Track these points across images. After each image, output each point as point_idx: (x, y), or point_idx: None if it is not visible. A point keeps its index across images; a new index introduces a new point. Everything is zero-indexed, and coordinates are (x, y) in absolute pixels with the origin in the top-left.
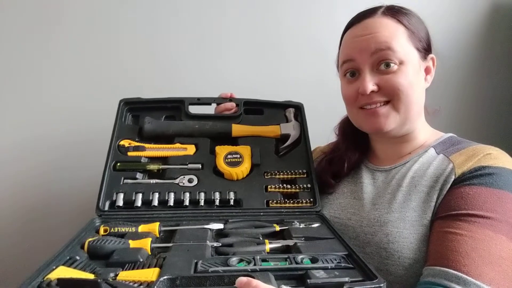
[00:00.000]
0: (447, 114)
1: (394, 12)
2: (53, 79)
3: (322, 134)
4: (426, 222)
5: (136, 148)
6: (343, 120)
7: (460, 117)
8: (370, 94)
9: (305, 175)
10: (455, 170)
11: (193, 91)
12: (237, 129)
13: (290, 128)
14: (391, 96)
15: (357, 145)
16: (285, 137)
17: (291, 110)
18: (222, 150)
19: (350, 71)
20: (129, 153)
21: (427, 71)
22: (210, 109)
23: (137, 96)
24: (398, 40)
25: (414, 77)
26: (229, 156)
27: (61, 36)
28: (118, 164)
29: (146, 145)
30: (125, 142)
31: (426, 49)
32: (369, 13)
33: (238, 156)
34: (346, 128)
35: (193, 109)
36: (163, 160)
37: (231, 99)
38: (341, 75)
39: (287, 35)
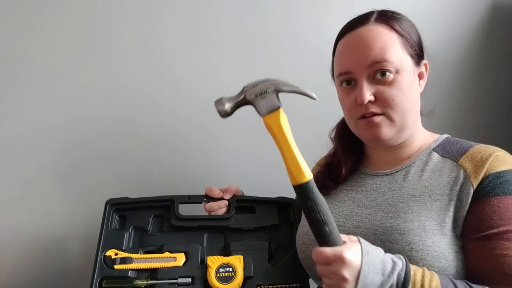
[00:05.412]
0: (445, 115)
1: (387, 18)
2: None
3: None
4: (447, 231)
5: (123, 260)
6: (339, 124)
7: (460, 118)
8: (367, 104)
9: None
10: (470, 180)
11: None
12: None
13: None
14: (385, 108)
15: (353, 150)
16: None
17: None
18: (213, 262)
19: (346, 81)
20: (116, 266)
21: (420, 76)
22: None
23: None
24: (393, 49)
25: (409, 85)
26: (220, 270)
27: None
28: (104, 282)
29: (134, 256)
30: (112, 253)
31: (419, 55)
32: (362, 20)
33: (231, 269)
34: (342, 132)
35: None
36: (151, 272)
37: (223, 198)
38: (337, 85)
39: None
